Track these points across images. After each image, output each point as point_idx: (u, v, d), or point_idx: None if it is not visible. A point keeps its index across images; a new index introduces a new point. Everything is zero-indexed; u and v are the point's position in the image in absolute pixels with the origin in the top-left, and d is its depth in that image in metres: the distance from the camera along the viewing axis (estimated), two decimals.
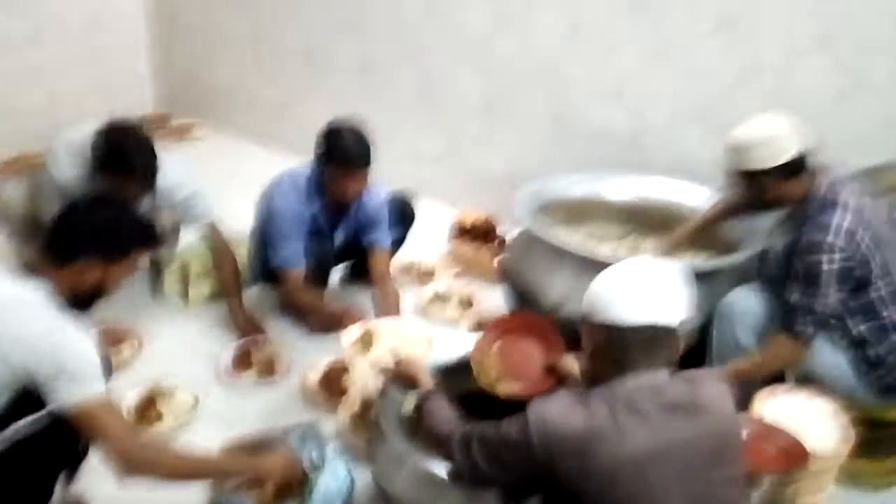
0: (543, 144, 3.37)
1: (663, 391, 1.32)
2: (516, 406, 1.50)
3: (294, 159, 4.03)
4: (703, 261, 2.51)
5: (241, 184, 3.03)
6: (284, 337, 2.72)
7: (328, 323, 2.57)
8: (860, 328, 2.01)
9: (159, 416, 2.28)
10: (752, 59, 2.78)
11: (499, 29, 3.25)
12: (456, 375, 2.10)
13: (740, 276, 2.38)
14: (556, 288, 2.38)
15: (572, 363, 1.82)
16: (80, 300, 1.73)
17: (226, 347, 2.60)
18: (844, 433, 1.91)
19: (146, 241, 1.82)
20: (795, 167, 2.01)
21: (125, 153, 2.33)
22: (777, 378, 2.22)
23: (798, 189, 2.04)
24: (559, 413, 1.32)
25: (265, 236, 2.60)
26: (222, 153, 4.08)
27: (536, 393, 1.66)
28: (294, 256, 2.52)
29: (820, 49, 2.65)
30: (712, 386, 1.38)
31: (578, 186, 2.91)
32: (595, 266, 2.26)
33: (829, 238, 1.92)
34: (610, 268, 1.40)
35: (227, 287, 2.72)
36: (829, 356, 2.07)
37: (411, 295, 3.03)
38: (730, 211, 2.46)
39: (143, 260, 1.81)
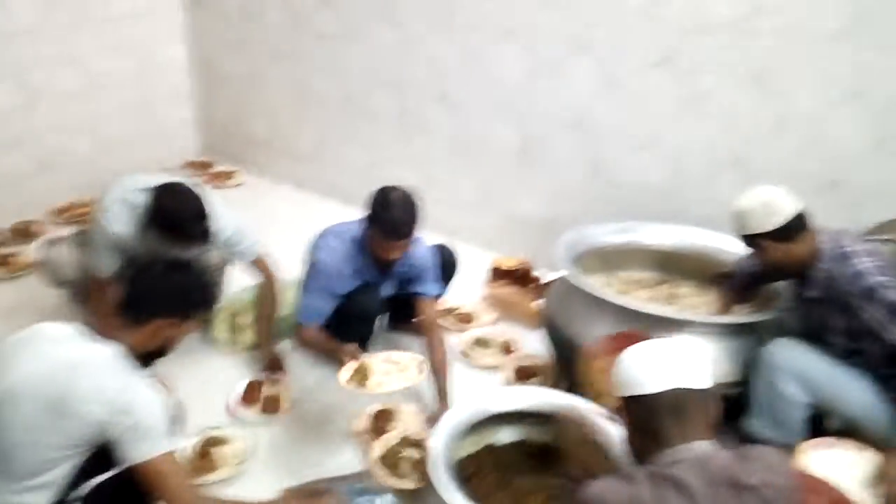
0: (579, 191, 3.44)
1: (708, 465, 1.34)
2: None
3: (331, 204, 4.20)
4: (742, 315, 2.55)
5: (281, 228, 3.17)
6: (307, 379, 2.81)
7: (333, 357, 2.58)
8: None
9: (214, 466, 2.35)
10: (787, 107, 2.84)
11: (534, 78, 3.34)
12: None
13: (779, 328, 2.43)
14: (598, 336, 2.43)
15: None
16: (146, 357, 1.84)
17: (242, 381, 2.73)
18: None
19: (211, 301, 2.00)
20: (792, 228, 2.14)
21: (178, 219, 2.43)
22: (819, 430, 2.25)
23: (801, 249, 2.15)
24: (606, 489, 1.39)
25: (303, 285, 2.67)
26: (262, 198, 4.20)
27: None
28: (314, 312, 2.59)
29: (854, 99, 2.70)
30: (766, 461, 1.39)
31: (615, 235, 2.98)
32: (632, 315, 2.37)
33: (871, 280, 2.01)
34: (632, 347, 1.50)
35: (260, 319, 2.82)
36: (875, 399, 2.10)
37: (452, 339, 3.10)
38: (749, 281, 2.55)
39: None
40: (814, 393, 2.14)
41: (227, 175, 4.38)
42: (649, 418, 1.41)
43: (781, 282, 2.43)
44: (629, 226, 3.01)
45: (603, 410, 2.10)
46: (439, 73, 3.60)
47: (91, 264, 2.62)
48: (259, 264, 2.78)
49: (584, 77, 3.22)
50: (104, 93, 4.04)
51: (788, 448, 2.12)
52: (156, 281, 1.81)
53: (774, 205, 2.15)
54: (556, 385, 2.78)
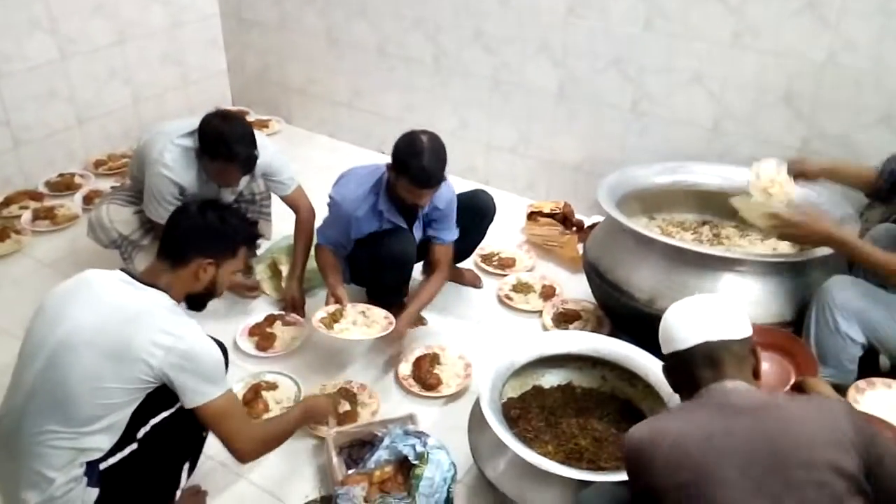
0: (618, 132, 3.35)
1: (731, 394, 1.39)
2: None
3: (367, 151, 4.17)
4: (793, 254, 2.48)
5: (317, 175, 3.13)
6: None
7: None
8: None
9: (266, 407, 2.40)
10: (841, 38, 2.71)
11: (574, 15, 3.23)
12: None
13: (833, 266, 2.37)
14: (644, 279, 2.40)
15: (822, 385, 1.85)
16: (195, 300, 1.89)
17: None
18: None
19: (250, 238, 2.00)
20: None
21: (229, 142, 2.51)
22: (872, 370, 2.21)
23: None
24: (639, 424, 1.47)
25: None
26: (298, 146, 4.16)
27: None
28: (329, 238, 2.65)
29: None
30: (811, 400, 1.44)
31: (657, 175, 2.92)
32: (681, 255, 2.33)
33: None
34: (672, 306, 1.56)
35: (295, 251, 2.89)
36: None
37: (493, 284, 3.09)
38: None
39: (247, 257, 1.96)
40: (871, 332, 2.10)
41: (262, 123, 4.35)
42: (687, 371, 1.48)
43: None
44: (671, 166, 2.94)
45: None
46: (475, 13, 3.49)
47: (156, 218, 2.66)
48: (297, 198, 2.88)
49: (625, 12, 3.10)
50: (136, 43, 4.01)
51: (842, 387, 2.10)
52: (190, 220, 1.84)
53: None
54: (598, 329, 2.77)
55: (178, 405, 1.74)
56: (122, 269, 1.82)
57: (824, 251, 2.29)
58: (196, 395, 1.69)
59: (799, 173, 2.35)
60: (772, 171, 2.34)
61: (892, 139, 2.70)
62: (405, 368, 2.59)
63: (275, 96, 4.48)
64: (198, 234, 1.83)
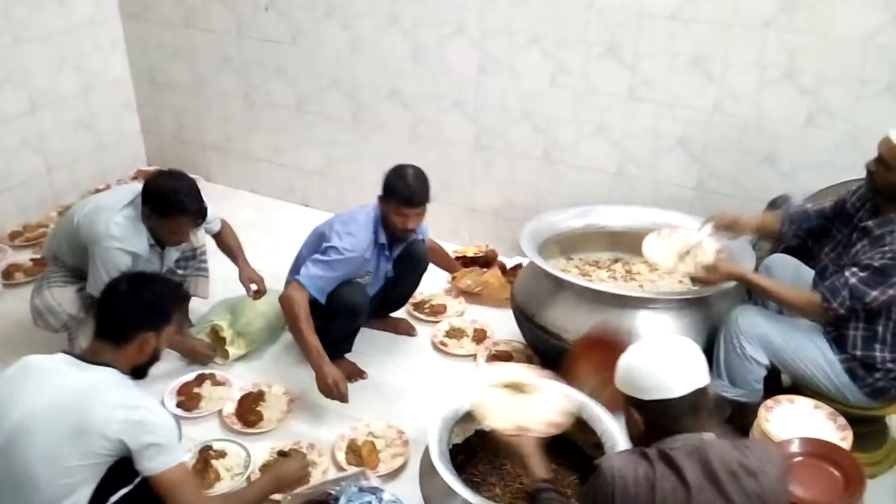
0: (533, 178, 3.58)
1: (710, 450, 1.48)
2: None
3: (290, 206, 4.24)
4: (698, 291, 2.72)
5: (241, 232, 3.19)
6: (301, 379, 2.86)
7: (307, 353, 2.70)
8: (883, 330, 2.26)
9: (218, 476, 2.43)
10: (725, 89, 3.03)
11: (485, 73, 3.45)
12: None
13: (735, 296, 2.64)
14: (570, 321, 2.59)
15: None
16: (139, 370, 1.94)
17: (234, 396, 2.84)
18: (843, 434, 2.16)
19: (179, 300, 2.15)
20: None
21: (179, 195, 2.58)
22: (775, 388, 2.47)
23: None
24: (623, 463, 1.51)
25: (314, 258, 2.69)
26: (219, 203, 4.11)
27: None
28: (318, 287, 2.64)
29: (785, 78, 2.91)
30: (762, 451, 1.53)
31: (573, 219, 3.14)
32: (601, 297, 2.54)
33: None
34: (637, 350, 1.60)
35: (237, 258, 3.06)
36: (827, 356, 2.32)
37: (425, 332, 3.22)
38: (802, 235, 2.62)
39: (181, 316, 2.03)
40: (773, 354, 2.35)
41: (152, 172, 4.32)
42: (669, 417, 1.51)
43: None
44: (582, 210, 3.18)
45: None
46: (391, 72, 3.66)
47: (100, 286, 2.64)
48: (223, 225, 3.06)
49: (533, 69, 3.34)
50: (48, 110, 3.96)
51: (751, 405, 2.35)
52: (125, 300, 1.88)
53: None
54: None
55: (136, 481, 1.78)
56: (65, 352, 1.88)
57: (727, 285, 2.56)
58: (153, 461, 1.75)
59: (729, 227, 2.62)
60: (687, 243, 2.64)
61: (776, 176, 3.03)
62: (229, 407, 2.75)
63: (192, 155, 4.49)
64: (135, 311, 1.88)
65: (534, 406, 2.01)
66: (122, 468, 1.76)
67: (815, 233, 2.56)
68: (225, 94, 4.18)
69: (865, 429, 2.41)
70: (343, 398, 2.60)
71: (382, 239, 2.77)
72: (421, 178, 2.69)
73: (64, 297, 2.77)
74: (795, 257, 2.68)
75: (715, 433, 1.55)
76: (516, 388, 2.07)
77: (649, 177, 3.32)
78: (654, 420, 1.56)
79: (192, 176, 4.25)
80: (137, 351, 1.87)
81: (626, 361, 1.59)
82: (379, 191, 2.74)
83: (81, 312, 2.80)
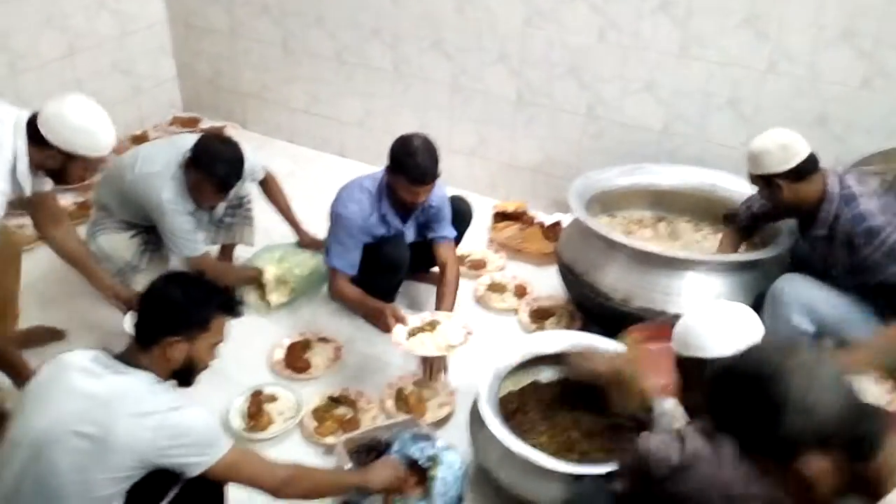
0: (574, 136, 3.56)
1: None
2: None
3: (326, 156, 4.24)
4: (748, 254, 2.74)
5: (278, 179, 3.23)
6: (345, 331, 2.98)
7: (373, 317, 2.83)
8: None
9: (270, 419, 2.49)
10: (780, 48, 2.98)
11: (530, 26, 3.40)
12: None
13: (782, 264, 2.64)
14: (618, 280, 2.61)
15: None
16: (181, 376, 1.80)
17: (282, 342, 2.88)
18: (892, 397, 2.19)
19: (223, 308, 1.83)
20: (805, 169, 2.30)
21: (214, 158, 2.63)
22: None
23: (811, 190, 2.32)
24: (659, 442, 1.55)
25: (329, 234, 2.79)
26: (256, 151, 4.14)
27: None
28: (347, 264, 2.73)
29: (844, 39, 2.85)
30: None
31: (619, 177, 3.13)
32: (650, 258, 2.55)
33: (878, 220, 2.21)
34: (695, 309, 1.62)
35: (284, 211, 3.21)
36: (874, 324, 2.32)
37: (466, 286, 3.24)
38: (755, 220, 2.73)
39: (227, 327, 1.84)
40: (819, 322, 2.36)
41: (218, 129, 4.32)
42: (703, 379, 1.49)
43: (784, 219, 2.62)
44: (628, 169, 3.17)
45: None
46: (434, 21, 3.61)
47: (188, 252, 2.77)
48: (267, 176, 3.11)
49: (580, 22, 3.29)
50: (86, 54, 3.94)
51: None
52: (154, 300, 1.77)
53: (790, 147, 2.30)
54: (571, 324, 2.98)
55: (183, 481, 1.69)
56: (104, 349, 1.75)
57: (771, 252, 2.57)
58: (200, 463, 1.66)
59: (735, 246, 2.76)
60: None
61: (828, 138, 2.99)
62: (278, 354, 2.80)
63: (228, 102, 4.48)
64: (160, 313, 1.75)
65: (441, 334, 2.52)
66: (157, 479, 1.65)
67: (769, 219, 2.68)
68: (263, 42, 4.14)
69: None
70: (402, 320, 2.58)
71: (385, 209, 2.72)
72: (431, 152, 2.57)
73: (119, 244, 2.81)
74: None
75: None
76: (429, 326, 2.56)
77: (697, 136, 3.29)
78: (690, 380, 1.59)
79: (226, 124, 4.42)
80: (163, 357, 1.72)
81: (681, 320, 1.62)
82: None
83: (136, 258, 2.84)
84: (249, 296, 3.05)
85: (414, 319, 2.59)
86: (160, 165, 2.69)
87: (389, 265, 2.77)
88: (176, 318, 1.74)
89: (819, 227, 2.33)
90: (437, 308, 2.73)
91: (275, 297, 3.04)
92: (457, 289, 2.82)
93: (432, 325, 2.56)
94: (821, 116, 3.03)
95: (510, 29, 3.45)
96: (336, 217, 2.73)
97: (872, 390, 2.26)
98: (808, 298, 2.37)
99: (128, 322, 2.54)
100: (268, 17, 4.05)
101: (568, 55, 3.38)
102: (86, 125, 2.17)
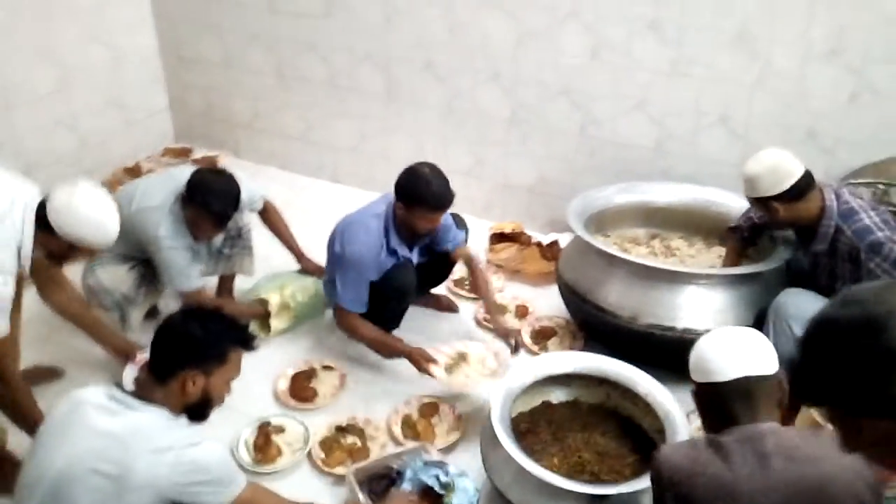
0: (569, 154, 3.59)
1: (768, 437, 1.47)
2: None
3: (320, 182, 4.24)
4: (748, 267, 2.75)
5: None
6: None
7: (395, 357, 2.82)
8: None
9: (280, 451, 2.47)
10: (769, 65, 3.03)
11: (523, 46, 3.44)
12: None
13: (781, 277, 2.67)
14: (624, 298, 2.63)
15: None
16: (194, 412, 1.79)
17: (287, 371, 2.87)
18: None
19: (241, 341, 1.85)
20: (801, 188, 2.35)
21: (208, 191, 2.64)
22: None
23: (808, 207, 2.36)
24: (673, 450, 1.58)
25: (333, 275, 2.78)
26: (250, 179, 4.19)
27: None
28: (358, 303, 2.73)
29: (832, 55, 2.91)
30: (841, 458, 1.44)
31: (615, 196, 3.16)
32: (656, 274, 2.57)
33: (880, 234, 2.24)
34: (705, 336, 1.64)
35: (287, 241, 3.21)
36: None
37: (467, 308, 3.25)
38: (755, 232, 2.77)
39: (242, 360, 1.86)
40: None
41: (210, 160, 4.33)
42: (721, 403, 1.54)
43: (785, 229, 2.64)
44: (625, 187, 3.20)
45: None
46: (426, 45, 3.65)
47: (189, 287, 2.78)
48: (266, 205, 3.10)
49: (572, 42, 3.33)
50: (78, 88, 3.95)
51: None
52: (171, 334, 1.78)
53: (782, 168, 2.35)
54: (573, 343, 2.99)
55: None
56: (116, 385, 1.76)
57: (770, 265, 2.60)
58: (218, 496, 1.69)
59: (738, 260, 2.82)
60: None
61: (817, 152, 3.04)
62: (282, 384, 2.79)
63: (220, 132, 4.49)
64: (179, 346, 1.76)
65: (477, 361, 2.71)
66: None
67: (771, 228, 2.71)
68: (255, 71, 4.16)
69: None
70: (433, 361, 2.68)
71: (395, 244, 2.72)
72: (442, 178, 2.62)
73: (117, 276, 2.80)
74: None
75: (775, 423, 1.53)
76: (461, 357, 2.72)
77: (689, 153, 3.33)
78: (707, 405, 1.61)
79: (218, 153, 4.42)
80: (181, 390, 1.73)
81: (694, 348, 1.63)
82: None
83: (133, 291, 2.83)
84: (252, 325, 3.03)
85: (440, 356, 2.68)
86: (158, 200, 2.70)
87: (397, 292, 2.78)
88: (195, 351, 1.75)
89: (819, 243, 2.37)
90: (485, 298, 2.99)
91: (276, 323, 3.04)
92: (490, 283, 3.09)
93: (463, 357, 2.69)
94: (810, 131, 3.08)
95: (502, 49, 3.49)
96: (342, 259, 2.71)
97: None
98: (811, 312, 2.37)
99: (128, 375, 2.58)
100: (259, 45, 4.08)
101: (560, 75, 3.42)
102: (93, 218, 2.20)
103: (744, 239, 2.81)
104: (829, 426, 1.96)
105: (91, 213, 2.19)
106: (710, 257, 3.09)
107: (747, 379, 1.52)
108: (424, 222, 2.63)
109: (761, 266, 2.63)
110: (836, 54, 2.90)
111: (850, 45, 2.87)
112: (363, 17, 3.73)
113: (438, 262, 3.03)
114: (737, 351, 1.56)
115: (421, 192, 2.57)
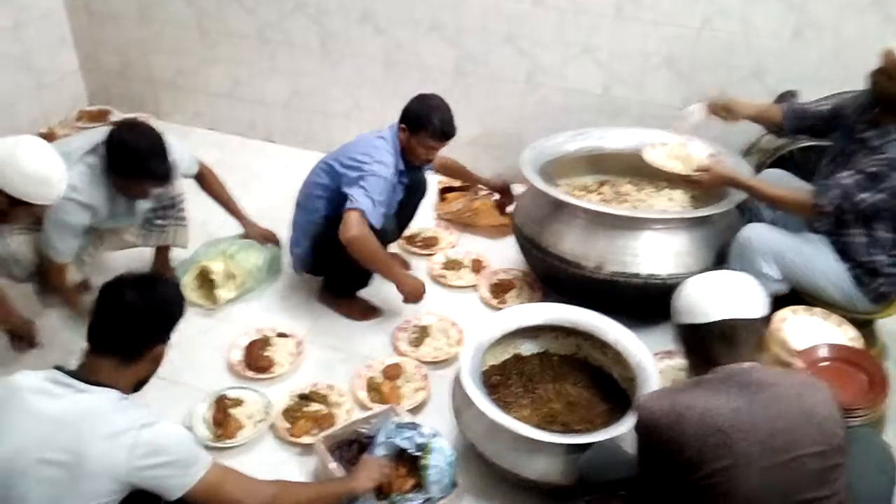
0: (515, 104, 3.51)
1: (750, 373, 1.49)
2: None
3: (253, 142, 4.04)
4: (704, 209, 2.73)
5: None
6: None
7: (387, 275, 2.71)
8: (882, 234, 2.35)
9: (240, 424, 2.35)
10: (714, 5, 3.01)
11: None
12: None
13: (733, 217, 2.70)
14: (589, 248, 2.59)
15: None
16: (140, 384, 1.71)
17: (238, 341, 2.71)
18: (853, 338, 2.27)
19: (183, 300, 1.77)
20: None
21: (143, 157, 2.41)
22: (792, 299, 2.54)
23: None
24: (653, 395, 1.60)
25: (357, 187, 2.55)
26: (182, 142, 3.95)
27: None
28: (376, 213, 2.55)
29: None
30: (806, 378, 1.57)
31: (566, 144, 3.10)
32: (603, 219, 2.54)
33: None
34: (694, 278, 1.64)
35: (227, 203, 3.00)
36: (834, 266, 2.41)
37: (421, 265, 3.17)
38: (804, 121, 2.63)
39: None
40: (785, 268, 2.42)
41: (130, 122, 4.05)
42: (703, 344, 1.56)
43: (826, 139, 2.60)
44: (573, 135, 3.12)
45: None
46: None
47: (50, 250, 2.48)
48: (202, 169, 2.88)
49: None
50: None
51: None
52: (139, 310, 1.63)
53: None
54: (532, 295, 2.95)
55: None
56: (57, 367, 1.60)
57: (725, 206, 2.61)
58: (181, 483, 1.56)
59: (724, 109, 2.68)
60: (685, 146, 2.76)
61: (763, 91, 3.05)
62: (236, 355, 2.63)
63: (139, 92, 4.19)
64: (152, 322, 1.65)
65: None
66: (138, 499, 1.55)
67: (811, 132, 2.65)
68: (175, 24, 3.88)
69: (860, 332, 2.54)
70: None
71: (401, 166, 2.71)
72: (449, 110, 2.65)
73: (28, 245, 2.53)
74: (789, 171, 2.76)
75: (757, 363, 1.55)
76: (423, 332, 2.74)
77: (636, 97, 3.31)
78: (690, 346, 1.62)
79: (138, 115, 4.11)
80: (149, 365, 1.67)
81: (680, 289, 1.63)
82: (390, 120, 2.67)
83: None
84: (192, 294, 2.87)
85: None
86: (72, 147, 2.44)
87: (380, 239, 2.62)
88: (167, 321, 1.69)
89: (880, 138, 2.29)
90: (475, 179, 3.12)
91: (223, 293, 2.88)
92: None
93: (425, 330, 2.76)
94: (755, 70, 3.10)
95: None
96: (369, 168, 2.55)
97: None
98: (775, 246, 2.42)
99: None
100: None
101: (504, 22, 3.32)
102: (38, 173, 2.08)
103: (790, 118, 2.63)
104: (797, 363, 2.03)
105: (35, 167, 2.07)
106: (660, 200, 3.07)
107: (726, 321, 1.53)
108: (425, 150, 2.64)
109: (715, 209, 2.63)
110: None
111: None
112: None
113: (410, 204, 2.96)
114: (720, 294, 1.57)
115: (428, 118, 2.58)
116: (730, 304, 1.54)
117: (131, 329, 1.62)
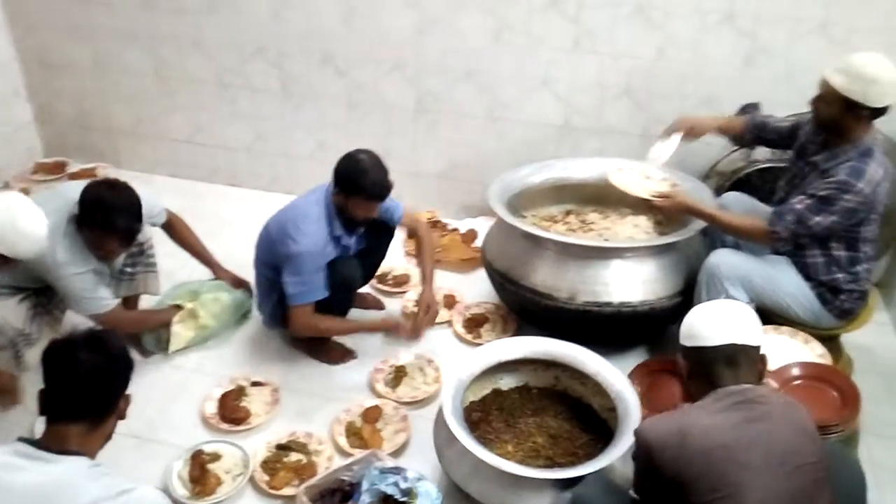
0: (477, 139, 3.55)
1: (744, 392, 1.59)
2: None
3: (216, 187, 4.00)
4: (670, 237, 2.78)
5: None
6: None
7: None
8: (839, 253, 2.41)
9: (219, 480, 2.30)
10: (667, 36, 3.10)
11: (422, 33, 3.36)
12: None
13: (698, 243, 2.76)
14: (560, 280, 2.61)
15: None
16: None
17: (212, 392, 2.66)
18: (821, 354, 2.33)
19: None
20: (882, 113, 2.28)
21: (109, 210, 2.40)
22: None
23: (864, 130, 2.31)
24: (654, 420, 1.66)
25: (287, 275, 2.59)
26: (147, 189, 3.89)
27: None
28: (316, 291, 2.60)
29: (726, 21, 3.01)
30: (786, 397, 1.71)
31: (530, 176, 3.13)
32: (576, 251, 2.57)
33: (861, 185, 2.26)
34: (699, 305, 1.77)
35: (200, 254, 3.01)
36: (800, 286, 2.47)
37: (394, 303, 3.15)
38: (763, 133, 2.72)
39: None
40: (753, 291, 2.46)
41: (89, 172, 3.96)
42: (705, 365, 1.65)
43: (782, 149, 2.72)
44: (538, 167, 3.15)
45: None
46: (320, 36, 3.49)
47: (98, 310, 2.53)
48: (170, 218, 2.88)
49: (472, 25, 3.28)
50: None
51: None
52: (101, 369, 1.58)
53: (893, 87, 2.22)
54: (506, 328, 2.96)
55: None
56: (21, 439, 1.54)
57: (690, 233, 2.67)
58: None
59: (689, 132, 2.77)
60: (649, 171, 2.83)
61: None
62: (210, 407, 2.59)
63: (97, 142, 4.13)
64: (115, 376, 1.62)
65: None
66: None
67: (770, 145, 2.78)
68: (133, 73, 3.85)
69: (831, 345, 2.59)
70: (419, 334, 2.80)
71: (338, 231, 2.63)
72: (381, 166, 2.57)
73: (7, 311, 2.49)
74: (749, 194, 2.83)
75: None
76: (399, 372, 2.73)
77: (596, 128, 3.37)
78: (693, 367, 1.71)
79: (96, 165, 4.06)
80: (115, 419, 1.64)
81: (687, 316, 1.74)
82: (327, 177, 2.60)
83: (28, 325, 2.54)
84: (148, 342, 2.83)
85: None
86: (48, 222, 2.40)
87: (344, 285, 2.66)
88: (129, 369, 1.67)
89: (826, 159, 2.35)
90: (424, 262, 2.87)
91: (178, 329, 2.81)
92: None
93: (402, 370, 2.74)
94: (708, 98, 3.18)
95: (402, 38, 3.39)
96: (297, 256, 2.55)
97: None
98: (741, 270, 2.47)
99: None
100: (135, 46, 3.77)
101: (463, 59, 3.37)
102: (35, 233, 2.14)
103: (750, 129, 2.73)
104: (770, 383, 2.09)
105: (32, 226, 2.12)
106: (625, 227, 3.11)
107: (731, 346, 1.63)
108: (362, 210, 2.58)
109: (680, 235, 2.68)
110: (729, 19, 3.01)
111: (741, 9, 2.98)
112: (249, 11, 3.52)
113: (376, 247, 2.94)
114: (723, 320, 1.67)
115: (359, 181, 2.51)
116: (732, 330, 1.65)
117: (99, 390, 1.59)
